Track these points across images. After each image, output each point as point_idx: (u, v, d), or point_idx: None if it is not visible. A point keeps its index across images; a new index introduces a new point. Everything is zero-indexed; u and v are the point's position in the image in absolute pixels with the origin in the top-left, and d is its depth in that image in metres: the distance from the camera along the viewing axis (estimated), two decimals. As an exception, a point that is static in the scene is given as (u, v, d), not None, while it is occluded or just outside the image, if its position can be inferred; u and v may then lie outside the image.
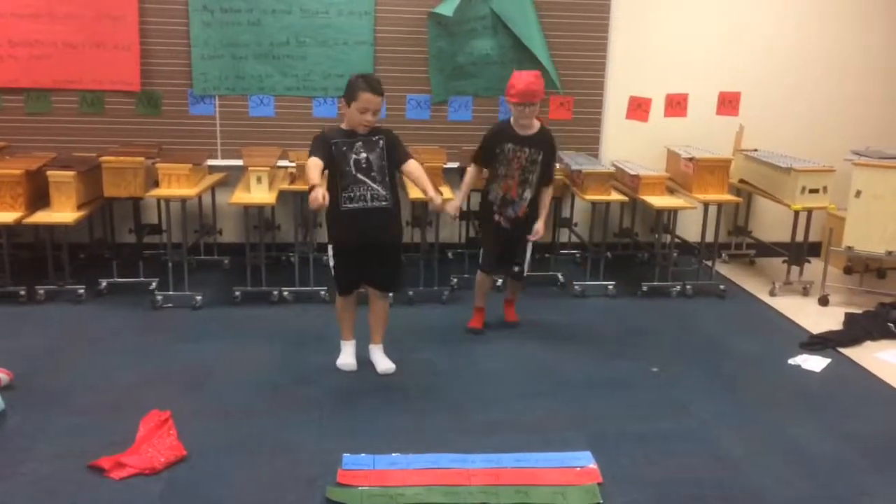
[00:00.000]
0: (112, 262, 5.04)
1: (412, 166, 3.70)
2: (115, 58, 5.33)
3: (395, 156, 3.67)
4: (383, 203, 3.64)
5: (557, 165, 4.60)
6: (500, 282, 4.94)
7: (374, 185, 3.61)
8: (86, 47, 5.31)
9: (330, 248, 3.77)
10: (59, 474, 2.87)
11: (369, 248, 3.69)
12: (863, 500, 2.89)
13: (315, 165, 3.50)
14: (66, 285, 4.80)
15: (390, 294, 4.04)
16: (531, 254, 4.40)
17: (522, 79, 4.01)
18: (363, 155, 3.59)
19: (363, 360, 3.91)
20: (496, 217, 4.24)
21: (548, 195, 4.29)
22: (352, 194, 3.60)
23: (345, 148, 3.58)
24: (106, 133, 5.44)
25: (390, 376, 3.82)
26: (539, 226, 4.25)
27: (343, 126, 3.65)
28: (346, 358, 3.90)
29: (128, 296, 4.86)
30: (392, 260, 3.85)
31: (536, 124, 4.15)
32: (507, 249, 4.33)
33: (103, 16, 5.26)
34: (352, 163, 3.58)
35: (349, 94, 3.53)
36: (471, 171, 4.32)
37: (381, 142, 3.63)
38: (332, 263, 3.78)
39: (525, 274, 4.42)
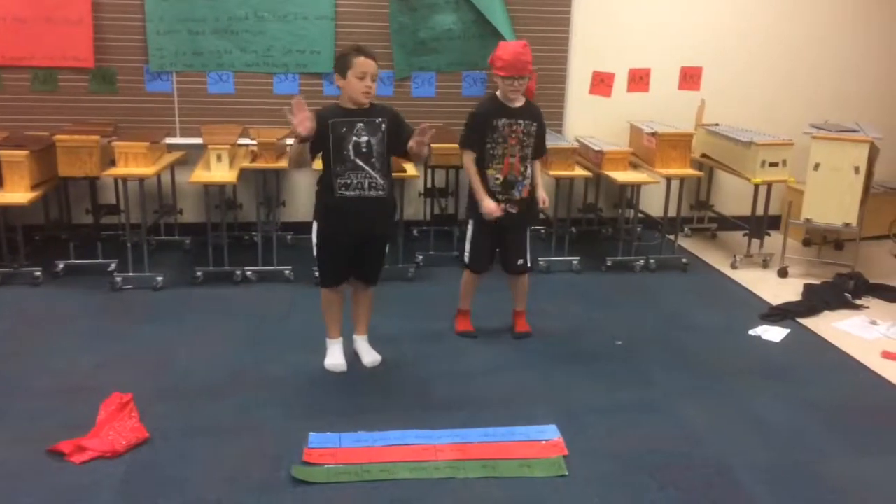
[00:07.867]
0: (69, 244, 4.93)
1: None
2: (67, 33, 5.18)
3: (402, 137, 3.37)
4: (381, 192, 3.39)
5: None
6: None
7: (373, 173, 3.35)
8: (36, 22, 5.14)
9: (315, 231, 3.48)
10: (19, 459, 2.82)
11: (361, 242, 3.49)
12: (821, 464, 2.96)
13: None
14: (22, 268, 4.68)
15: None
16: (529, 241, 3.98)
17: (510, 49, 3.67)
18: (364, 138, 3.32)
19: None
20: (502, 206, 3.80)
21: (538, 168, 3.95)
22: (348, 181, 3.34)
23: (344, 129, 3.31)
24: (60, 111, 5.30)
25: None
26: (542, 193, 3.91)
27: (340, 103, 3.37)
28: (335, 359, 3.64)
29: (86, 278, 4.76)
30: (381, 254, 3.63)
31: (522, 98, 3.82)
32: (503, 243, 3.94)
33: (53, -11, 5.10)
34: (351, 146, 3.32)
35: (342, 65, 3.28)
36: (469, 158, 3.80)
37: (384, 125, 3.36)
38: (315, 252, 3.50)
39: (529, 264, 4.02)
